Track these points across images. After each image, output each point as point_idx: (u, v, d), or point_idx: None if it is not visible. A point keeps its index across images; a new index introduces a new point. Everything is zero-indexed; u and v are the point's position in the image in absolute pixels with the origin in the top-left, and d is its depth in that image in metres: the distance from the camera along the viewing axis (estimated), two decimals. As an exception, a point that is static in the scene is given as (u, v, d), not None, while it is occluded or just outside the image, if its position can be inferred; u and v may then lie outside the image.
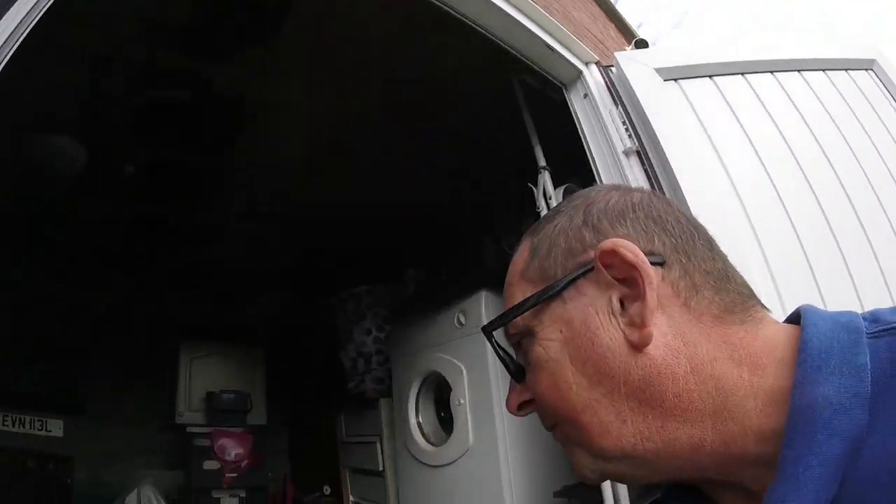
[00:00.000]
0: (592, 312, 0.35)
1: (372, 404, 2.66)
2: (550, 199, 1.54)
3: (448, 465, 1.91)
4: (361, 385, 2.72)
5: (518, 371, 0.41)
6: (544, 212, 1.48)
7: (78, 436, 3.21)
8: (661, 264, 0.35)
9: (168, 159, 2.24)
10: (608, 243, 0.35)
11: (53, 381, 3.25)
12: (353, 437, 2.86)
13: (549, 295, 0.37)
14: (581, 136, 1.43)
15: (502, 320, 0.40)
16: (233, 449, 2.94)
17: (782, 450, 0.28)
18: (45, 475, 2.96)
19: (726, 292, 0.35)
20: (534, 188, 1.57)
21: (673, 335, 0.33)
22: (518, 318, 0.39)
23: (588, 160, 1.41)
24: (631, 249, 0.34)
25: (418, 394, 2.19)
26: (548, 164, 1.57)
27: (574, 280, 0.36)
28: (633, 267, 0.34)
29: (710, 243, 0.38)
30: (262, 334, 3.50)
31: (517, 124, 1.64)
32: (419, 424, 2.15)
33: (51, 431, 3.19)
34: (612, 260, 0.35)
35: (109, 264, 3.05)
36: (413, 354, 2.23)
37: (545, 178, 1.58)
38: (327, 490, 3.02)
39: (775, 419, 0.30)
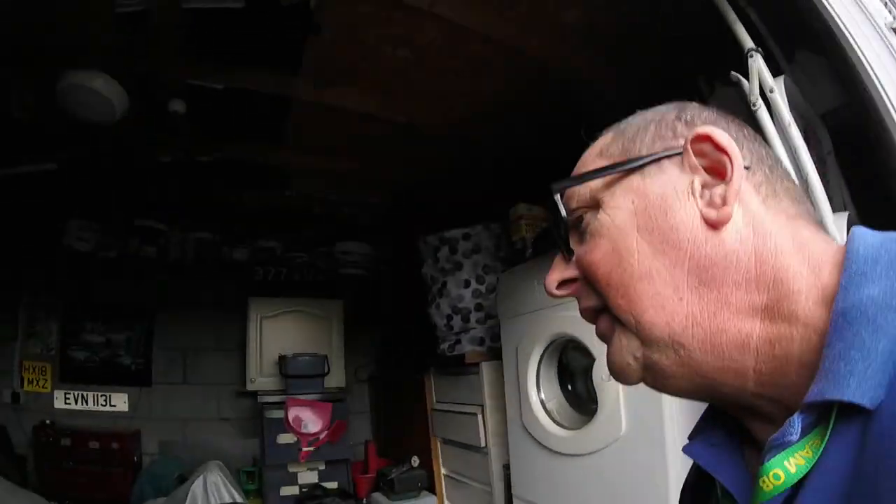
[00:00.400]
0: (671, 189, 0.38)
1: (470, 369, 2.46)
2: (772, 91, 1.20)
3: (588, 454, 1.66)
4: (457, 347, 2.51)
5: (568, 244, 0.42)
6: (762, 110, 1.15)
7: (144, 408, 3.27)
8: (746, 168, 0.38)
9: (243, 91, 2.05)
10: (703, 128, 0.38)
11: (114, 349, 3.37)
12: (448, 404, 2.67)
13: (629, 167, 0.39)
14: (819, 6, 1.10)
15: (575, 180, 0.41)
16: (310, 421, 2.83)
17: (824, 350, 0.30)
18: (109, 454, 3.02)
19: (802, 204, 0.39)
20: (742, 79, 1.23)
21: (745, 224, 0.36)
22: (588, 187, 0.41)
23: (835, 36, 1.10)
24: (724, 136, 0.37)
25: (540, 362, 1.93)
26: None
27: (658, 160, 0.39)
28: (723, 151, 0.37)
29: (788, 173, 0.41)
30: (339, 288, 3.41)
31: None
32: (542, 402, 1.92)
33: (115, 406, 3.25)
34: (703, 147, 0.38)
35: (175, 214, 3.08)
36: (530, 312, 1.96)
37: (758, 64, 1.23)
38: (415, 462, 2.91)
39: (823, 322, 0.31)
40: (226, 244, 3.21)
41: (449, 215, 2.54)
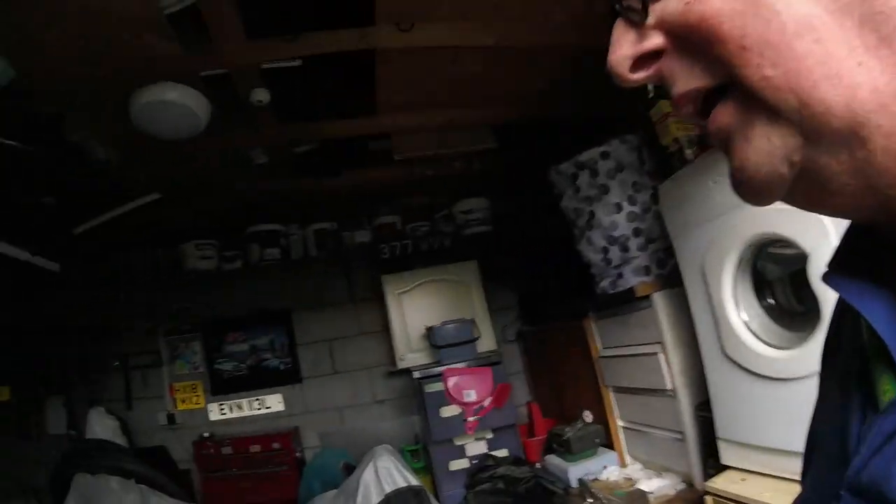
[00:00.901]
0: None
1: (640, 304, 2.44)
2: None
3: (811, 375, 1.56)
4: (619, 282, 2.51)
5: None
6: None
7: (299, 405, 3.76)
8: None
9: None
10: None
11: (260, 354, 3.80)
12: (617, 348, 2.71)
13: None
14: None
15: None
16: (471, 389, 3.01)
17: None
18: (271, 456, 3.50)
19: None
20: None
21: None
22: None
23: None
24: None
25: (734, 277, 1.86)
26: None
27: None
28: None
29: None
30: (469, 249, 3.56)
31: None
32: (746, 323, 1.84)
33: (270, 407, 3.77)
34: None
35: (287, 213, 3.44)
36: (710, 221, 1.89)
37: None
38: (588, 417, 2.96)
39: None
40: (345, 229, 3.51)
41: (570, 142, 2.49)
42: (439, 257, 3.51)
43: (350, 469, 3.17)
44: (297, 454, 3.58)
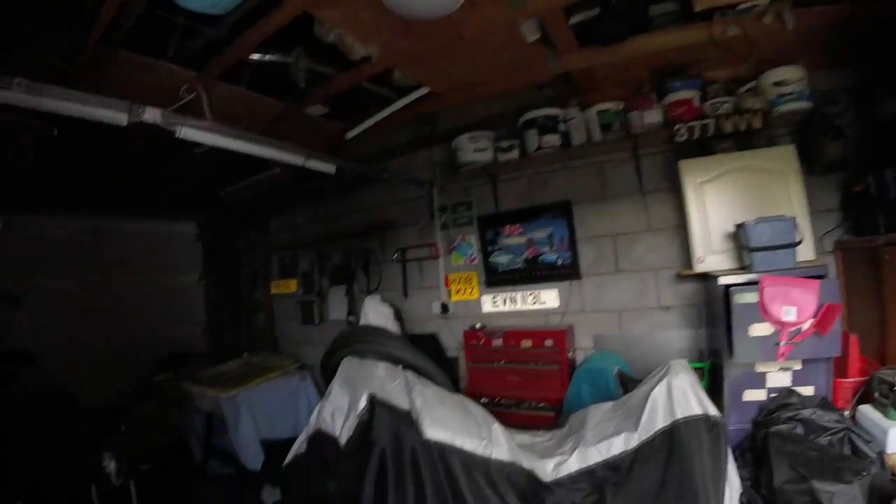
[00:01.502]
0: None
1: None
2: None
3: None
4: None
5: None
6: None
7: (576, 303, 4.18)
8: None
9: None
10: None
11: (538, 247, 4.27)
12: None
13: None
14: None
15: None
16: (791, 305, 2.78)
17: None
18: (542, 353, 3.97)
19: None
20: None
21: None
22: None
23: None
24: None
25: None
26: None
27: None
28: None
29: None
30: (781, 131, 3.38)
31: None
32: None
33: (545, 303, 4.30)
34: None
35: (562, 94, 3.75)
36: None
37: None
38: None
39: None
40: (632, 109, 3.59)
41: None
42: (747, 141, 3.36)
43: (624, 379, 3.49)
44: (569, 354, 4.01)
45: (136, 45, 2.86)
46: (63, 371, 6.00)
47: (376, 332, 4.24)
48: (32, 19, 2.54)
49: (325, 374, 3.60)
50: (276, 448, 4.32)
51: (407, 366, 3.54)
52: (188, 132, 2.92)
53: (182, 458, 5.49)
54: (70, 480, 3.71)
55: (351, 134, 4.34)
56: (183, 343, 7.32)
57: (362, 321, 4.68)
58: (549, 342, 3.98)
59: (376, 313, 4.75)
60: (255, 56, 3.16)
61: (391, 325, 4.69)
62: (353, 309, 5.69)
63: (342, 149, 4.46)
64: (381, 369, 3.28)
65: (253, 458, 4.66)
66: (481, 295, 4.67)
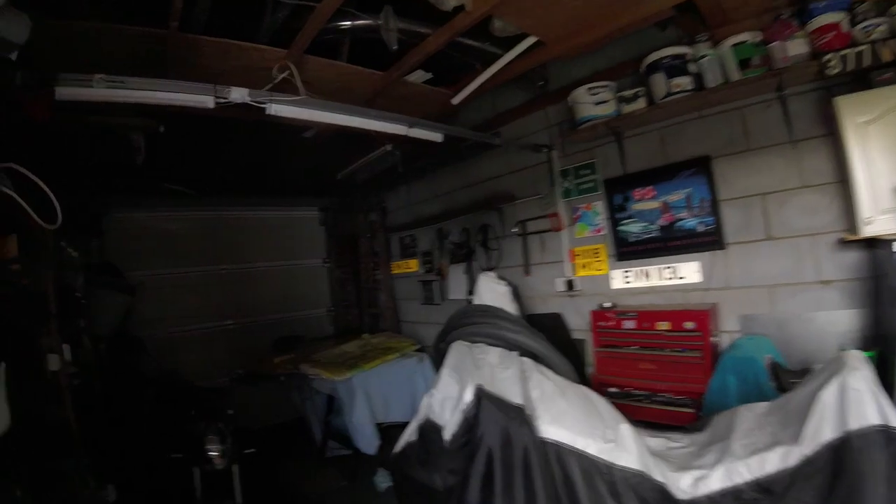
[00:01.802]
0: None
1: None
2: None
3: None
4: None
5: None
6: None
7: (720, 277, 3.90)
8: None
9: None
10: None
11: (674, 212, 4.06)
12: None
13: None
14: None
15: None
16: None
17: None
18: (681, 336, 3.71)
19: None
20: None
21: None
22: None
23: None
24: None
25: None
26: None
27: None
28: None
29: None
30: None
31: None
32: None
33: (683, 278, 4.06)
34: None
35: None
36: None
37: None
38: None
39: None
40: (772, 39, 3.33)
41: None
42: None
43: (778, 370, 3.23)
44: (712, 339, 3.73)
45: (219, 30, 3.07)
46: (184, 356, 6.86)
47: (490, 312, 4.23)
48: (112, 11, 2.80)
49: (437, 359, 3.64)
50: (391, 432, 4.47)
51: (524, 352, 3.51)
52: (279, 108, 3.08)
53: (302, 439, 5.98)
54: (172, 464, 4.11)
55: (457, 99, 4.37)
56: (308, 325, 8.03)
57: (476, 300, 4.71)
58: (689, 324, 3.72)
59: (491, 291, 4.77)
60: (345, 23, 3.29)
61: (507, 305, 4.68)
62: (473, 288, 5.74)
63: (451, 120, 4.49)
64: (492, 356, 3.25)
65: (368, 441, 4.94)
66: (610, 269, 4.52)
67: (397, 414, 5.14)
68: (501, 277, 4.86)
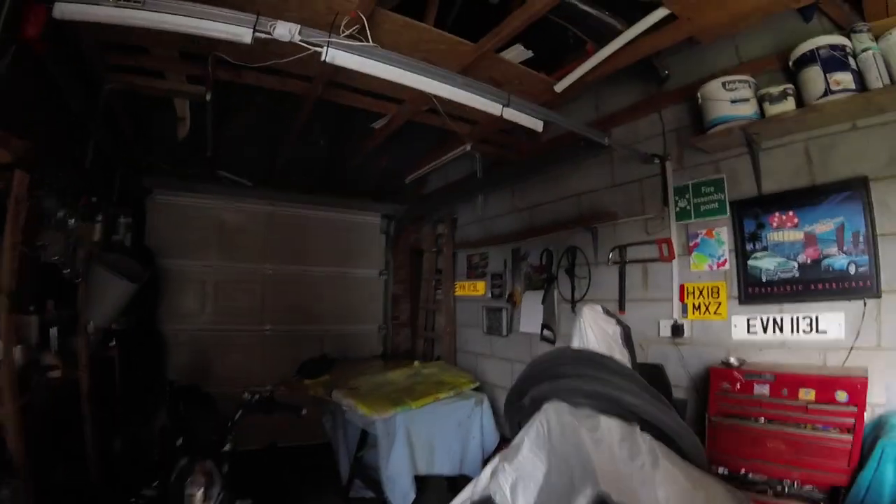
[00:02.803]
0: None
1: None
2: None
3: None
4: None
5: None
6: None
7: (870, 334, 3.19)
8: None
9: None
10: None
11: (821, 247, 3.38)
12: None
13: None
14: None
15: None
16: None
17: None
18: (823, 410, 3.03)
19: None
20: None
21: None
22: None
23: None
24: None
25: None
26: None
27: None
28: None
29: None
30: None
31: None
32: None
33: (824, 332, 3.36)
34: None
35: None
36: None
37: None
38: None
39: None
40: None
41: None
42: None
43: None
44: (864, 415, 3.01)
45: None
46: (213, 357, 6.54)
47: (601, 363, 3.26)
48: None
49: (511, 415, 2.93)
50: (430, 486, 3.85)
51: (644, 422, 2.68)
52: (339, 56, 2.58)
53: (327, 468, 5.46)
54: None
55: (561, 85, 3.86)
56: (356, 342, 7.60)
57: (576, 342, 3.88)
58: (841, 395, 3.04)
59: (598, 331, 3.94)
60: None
61: (617, 352, 3.93)
62: (550, 321, 5.16)
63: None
64: (611, 432, 2.42)
65: (401, 495, 4.34)
66: (731, 314, 3.82)
67: (443, 465, 4.57)
68: (609, 313, 4.16)
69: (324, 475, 5.47)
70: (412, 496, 4.31)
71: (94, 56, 3.58)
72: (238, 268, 6.92)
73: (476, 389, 5.33)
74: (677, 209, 4.17)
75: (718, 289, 3.88)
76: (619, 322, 3.96)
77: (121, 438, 4.36)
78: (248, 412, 3.23)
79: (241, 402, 3.24)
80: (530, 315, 5.52)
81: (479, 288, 6.56)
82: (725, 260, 3.88)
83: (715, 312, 3.90)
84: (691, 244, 4.08)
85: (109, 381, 4.61)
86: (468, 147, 4.79)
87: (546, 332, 5.25)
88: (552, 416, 2.47)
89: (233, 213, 6.96)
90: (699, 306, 3.99)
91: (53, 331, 3.50)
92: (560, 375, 2.71)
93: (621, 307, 4.52)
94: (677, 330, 4.08)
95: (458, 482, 4.64)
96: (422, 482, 4.43)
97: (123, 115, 4.69)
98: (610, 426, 2.36)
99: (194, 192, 6.65)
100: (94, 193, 4.39)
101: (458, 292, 7.01)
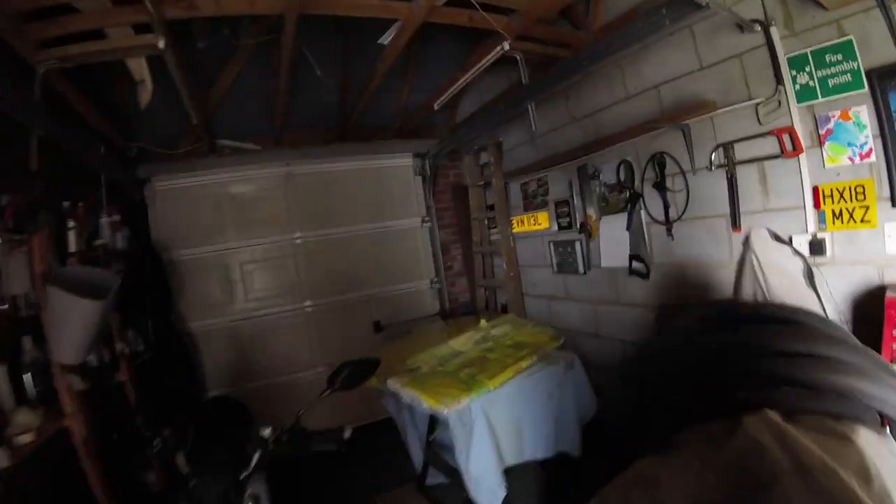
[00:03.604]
0: None
1: None
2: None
3: None
4: None
5: None
6: None
7: None
8: None
9: None
10: None
11: None
12: None
13: None
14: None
15: None
16: None
17: None
18: None
19: None
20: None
21: None
22: None
23: None
24: None
25: None
26: None
27: None
28: None
29: None
30: None
31: None
32: None
33: None
34: None
35: None
36: None
37: None
38: None
39: None
40: None
41: None
42: None
43: None
44: None
45: None
46: (249, 350, 6.14)
47: (818, 330, 2.39)
48: None
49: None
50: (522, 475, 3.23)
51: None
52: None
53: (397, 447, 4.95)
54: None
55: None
56: (409, 303, 7.07)
57: (749, 289, 3.08)
58: None
59: (776, 271, 3.12)
60: None
61: (807, 300, 3.11)
62: (640, 250, 4.38)
63: None
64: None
65: (489, 494, 3.67)
66: (882, 222, 2.98)
67: (535, 450, 3.90)
68: (779, 238, 3.26)
69: (390, 459, 5.02)
70: (502, 494, 3.67)
71: (11, 35, 2.96)
72: (262, 243, 6.30)
73: (560, 348, 4.58)
74: (797, 87, 3.24)
75: (864, 188, 3.03)
76: (796, 252, 3.13)
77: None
78: (267, 456, 2.48)
79: (258, 440, 2.46)
80: (612, 245, 4.80)
81: (542, 220, 5.86)
82: (870, 149, 2.99)
83: (862, 220, 3.05)
84: (822, 132, 3.17)
85: (124, 413, 4.11)
86: (506, 46, 3.97)
87: (636, 265, 4.49)
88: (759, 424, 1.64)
89: (244, 184, 6.27)
90: (840, 213, 3.14)
91: (27, 378, 2.94)
92: (762, 359, 1.84)
93: (735, 223, 3.65)
94: (817, 246, 3.24)
95: (551, 463, 4.03)
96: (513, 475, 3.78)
97: (80, 99, 4.06)
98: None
99: (196, 171, 5.98)
100: (64, 199, 3.82)
101: (517, 228, 6.34)
